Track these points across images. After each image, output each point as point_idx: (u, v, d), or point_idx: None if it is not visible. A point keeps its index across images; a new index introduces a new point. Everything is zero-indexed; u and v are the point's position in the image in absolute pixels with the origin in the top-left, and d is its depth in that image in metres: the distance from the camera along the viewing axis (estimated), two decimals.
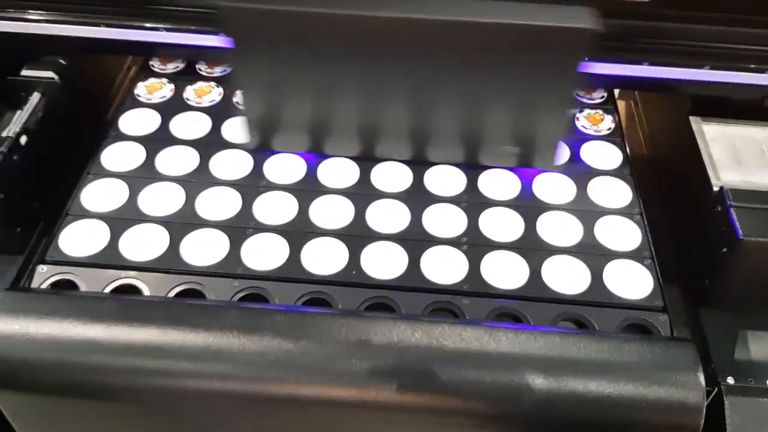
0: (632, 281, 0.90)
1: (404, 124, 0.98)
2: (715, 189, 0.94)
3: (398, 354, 0.77)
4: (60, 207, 0.97)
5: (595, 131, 1.09)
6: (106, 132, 1.06)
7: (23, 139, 0.97)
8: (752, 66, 1.04)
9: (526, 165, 1.00)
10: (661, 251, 0.96)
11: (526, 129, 0.96)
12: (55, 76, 1.08)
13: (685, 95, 1.08)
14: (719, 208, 0.92)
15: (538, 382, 0.76)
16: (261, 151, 1.02)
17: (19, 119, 0.99)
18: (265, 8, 0.85)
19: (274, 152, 1.03)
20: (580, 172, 1.02)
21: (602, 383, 0.76)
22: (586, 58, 0.89)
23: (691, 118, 1.06)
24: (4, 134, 0.96)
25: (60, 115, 1.05)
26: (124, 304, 0.81)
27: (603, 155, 1.05)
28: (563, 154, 1.04)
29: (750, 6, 1.03)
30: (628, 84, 1.14)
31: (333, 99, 0.96)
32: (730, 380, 0.89)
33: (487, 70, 0.90)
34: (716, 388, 0.88)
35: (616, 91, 1.24)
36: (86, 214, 0.94)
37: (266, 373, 0.77)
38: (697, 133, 1.04)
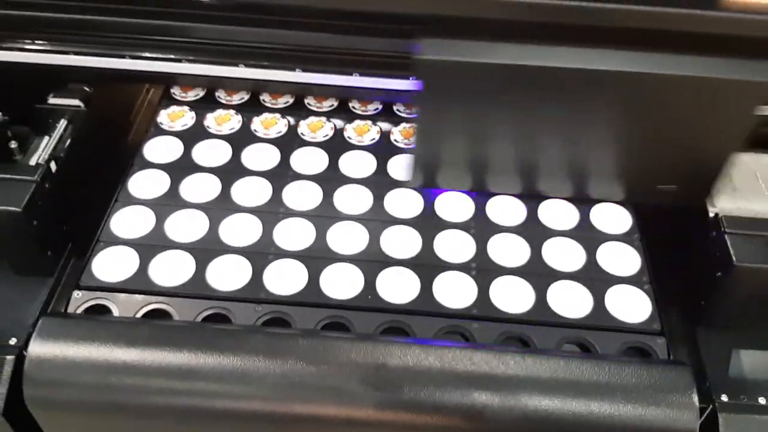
0: (632, 306, 0.95)
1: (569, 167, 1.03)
2: (711, 215, 1.00)
3: (413, 377, 0.82)
4: (88, 230, 1.02)
5: None
6: (132, 159, 1.11)
7: (53, 166, 1.02)
8: None
9: (681, 201, 1.05)
10: (659, 275, 1.01)
11: (689, 168, 1.01)
12: (81, 104, 1.13)
13: None
14: (715, 234, 0.98)
15: (543, 402, 0.81)
16: (425, 188, 1.08)
17: (48, 146, 1.04)
18: (455, 60, 0.90)
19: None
20: (583, 200, 1.08)
21: (602, 404, 0.81)
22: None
23: None
24: (33, 162, 1.01)
25: (86, 140, 1.10)
26: (157, 329, 0.87)
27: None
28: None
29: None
30: None
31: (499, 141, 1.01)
32: (724, 398, 0.94)
33: (670, 117, 0.95)
34: (711, 406, 0.94)
35: None
36: (116, 241, 1.00)
37: (289, 394, 0.83)
38: None
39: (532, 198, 1.07)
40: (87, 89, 1.15)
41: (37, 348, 0.84)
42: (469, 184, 1.07)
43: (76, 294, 0.94)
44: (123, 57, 1.12)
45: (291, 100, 1.22)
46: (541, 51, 0.90)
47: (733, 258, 0.93)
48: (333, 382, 0.83)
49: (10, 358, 0.91)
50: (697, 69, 0.90)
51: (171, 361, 0.83)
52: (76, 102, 1.13)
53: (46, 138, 1.06)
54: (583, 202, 1.07)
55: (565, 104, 0.94)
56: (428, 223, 1.03)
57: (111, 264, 0.97)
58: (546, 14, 0.92)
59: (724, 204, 1.02)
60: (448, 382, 0.82)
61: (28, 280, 1.00)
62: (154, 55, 1.12)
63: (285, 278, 0.96)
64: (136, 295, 0.94)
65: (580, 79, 0.90)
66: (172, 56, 1.12)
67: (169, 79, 1.20)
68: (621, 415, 0.81)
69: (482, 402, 0.81)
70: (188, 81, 1.21)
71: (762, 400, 0.94)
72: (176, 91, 1.23)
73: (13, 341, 0.93)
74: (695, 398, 0.83)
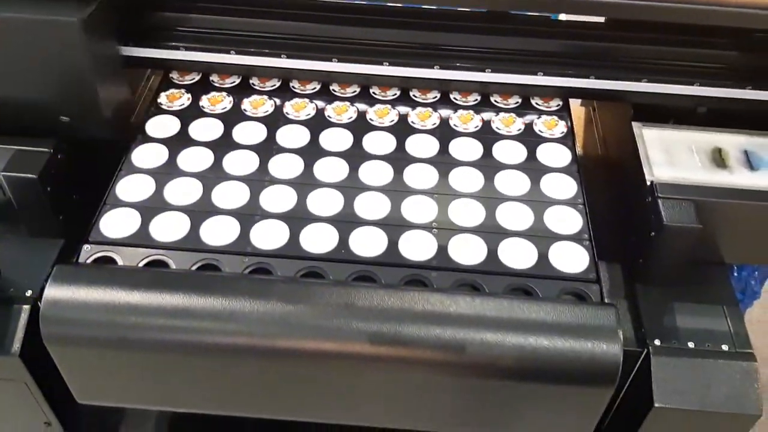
0: (572, 259, 1.08)
1: None
2: (648, 183, 1.13)
3: (377, 314, 0.95)
4: (95, 199, 1.15)
5: (550, 135, 1.27)
6: (134, 135, 1.25)
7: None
8: (683, 79, 1.23)
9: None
10: (601, 237, 1.14)
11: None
12: None
13: (627, 103, 1.27)
14: (649, 199, 1.11)
15: (488, 336, 0.94)
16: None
17: None
18: None
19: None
20: (535, 168, 1.21)
21: (539, 338, 0.94)
22: None
23: (633, 123, 1.23)
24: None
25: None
26: (156, 275, 1.00)
27: (555, 155, 1.24)
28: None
29: (680, 29, 1.22)
30: (578, 94, 1.33)
31: None
32: (657, 342, 1.07)
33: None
34: (645, 350, 1.07)
35: (577, 100, 1.43)
36: (121, 204, 1.13)
37: (270, 331, 0.96)
38: (637, 136, 1.21)
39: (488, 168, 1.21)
40: None
41: (52, 291, 0.97)
42: None
43: (86, 247, 1.07)
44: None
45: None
46: None
47: (664, 219, 1.06)
48: (307, 319, 0.96)
49: (26, 307, 1.05)
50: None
51: (168, 302, 0.96)
52: None
53: None
54: (536, 172, 1.21)
55: None
56: (397, 189, 1.16)
57: (116, 223, 1.10)
58: None
59: (660, 173, 1.15)
60: (407, 318, 0.95)
61: (41, 241, 1.13)
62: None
63: (269, 235, 1.09)
64: (139, 248, 1.07)
65: None
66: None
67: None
68: (555, 348, 0.94)
69: (436, 335, 0.95)
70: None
71: (690, 344, 1.07)
72: (174, 75, 1.36)
73: (28, 293, 1.06)
74: (620, 333, 0.95)
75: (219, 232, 1.09)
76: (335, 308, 0.96)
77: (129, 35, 1.25)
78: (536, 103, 1.33)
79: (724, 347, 1.07)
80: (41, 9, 1.05)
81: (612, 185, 1.29)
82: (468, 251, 1.08)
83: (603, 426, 1.16)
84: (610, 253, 1.15)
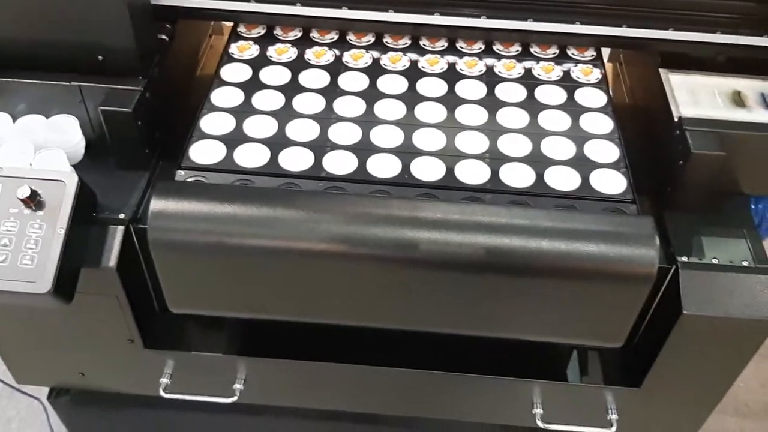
0: (611, 184, 1.21)
1: None
2: (676, 119, 1.26)
3: (442, 224, 1.09)
4: (177, 136, 1.28)
5: (586, 80, 1.41)
6: (212, 81, 1.38)
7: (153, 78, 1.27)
8: (706, 28, 1.36)
9: None
10: (634, 169, 1.26)
11: None
12: (166, 37, 1.39)
13: (655, 52, 1.40)
14: (677, 132, 1.24)
15: (538, 243, 1.08)
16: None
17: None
18: None
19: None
20: (574, 108, 1.34)
21: (583, 244, 1.07)
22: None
23: (660, 70, 1.36)
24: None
25: (174, 64, 1.37)
26: (245, 189, 1.15)
27: (592, 98, 1.37)
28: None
29: None
30: (611, 43, 1.46)
31: None
32: (684, 258, 1.20)
33: None
34: (674, 265, 1.20)
35: (607, 52, 1.56)
36: (206, 136, 1.26)
37: (346, 235, 1.09)
38: (664, 81, 1.34)
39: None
40: (168, 26, 1.41)
41: (158, 204, 1.10)
42: None
43: (179, 173, 1.21)
44: None
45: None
46: None
47: (692, 147, 1.19)
48: (379, 227, 1.09)
49: (120, 228, 1.19)
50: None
51: (256, 212, 1.09)
52: (163, 36, 1.39)
53: None
54: (576, 111, 1.34)
55: None
56: (451, 126, 1.30)
57: (204, 152, 1.23)
58: None
59: (686, 111, 1.28)
60: (469, 227, 1.09)
61: (130, 173, 1.27)
62: None
63: (340, 163, 1.22)
64: (225, 174, 1.20)
65: None
66: None
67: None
68: (601, 251, 1.07)
69: (487, 242, 1.08)
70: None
71: (714, 260, 1.20)
72: (242, 29, 1.50)
73: (122, 216, 1.20)
74: (656, 237, 1.08)
75: (295, 159, 1.22)
76: (404, 218, 1.10)
77: None
78: (572, 53, 1.46)
79: (744, 263, 1.20)
80: None
81: (641, 125, 1.41)
82: (517, 176, 1.21)
83: (637, 338, 1.29)
84: (643, 182, 1.27)
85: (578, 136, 1.29)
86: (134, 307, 1.28)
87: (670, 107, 1.28)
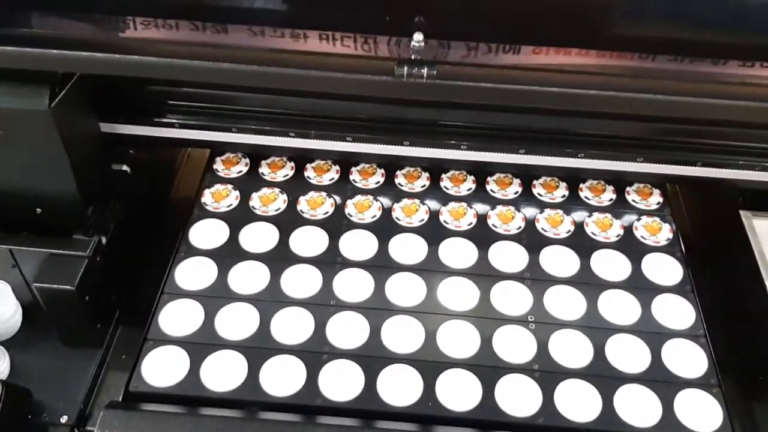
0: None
1: None
2: None
3: None
4: (137, 294, 1.03)
5: (654, 241, 1.11)
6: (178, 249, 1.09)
7: (104, 239, 1.00)
8: None
9: None
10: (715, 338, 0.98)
11: None
12: (127, 168, 1.11)
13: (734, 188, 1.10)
14: None
15: None
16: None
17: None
18: None
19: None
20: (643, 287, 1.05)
21: None
22: None
23: (742, 213, 1.08)
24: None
25: (132, 206, 1.09)
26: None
27: (665, 269, 1.07)
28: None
29: None
30: (681, 181, 1.16)
31: None
32: None
33: None
34: None
35: None
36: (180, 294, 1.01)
37: None
38: (748, 230, 1.06)
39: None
40: (131, 152, 1.13)
41: None
42: None
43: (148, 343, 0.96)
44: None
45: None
46: None
47: None
48: None
49: None
50: None
51: None
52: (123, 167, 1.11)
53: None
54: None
55: None
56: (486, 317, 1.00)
57: (176, 316, 0.99)
58: None
59: None
60: None
61: (77, 351, 0.99)
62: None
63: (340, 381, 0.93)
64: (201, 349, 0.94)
65: None
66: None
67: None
68: None
69: None
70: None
71: None
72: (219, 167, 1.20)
73: (64, 419, 0.92)
74: None
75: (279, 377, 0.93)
76: None
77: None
78: (633, 200, 1.16)
79: None
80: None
81: (716, 276, 1.10)
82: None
83: None
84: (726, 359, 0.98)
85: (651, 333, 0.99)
86: None
87: (761, 274, 1.00)
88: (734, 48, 0.83)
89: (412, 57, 0.76)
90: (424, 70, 0.74)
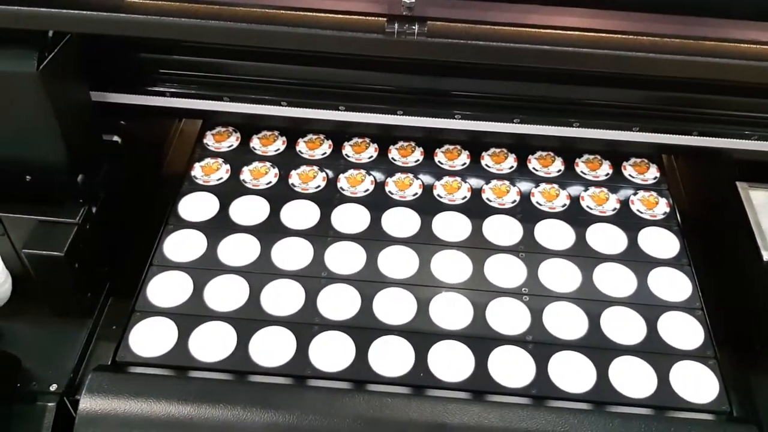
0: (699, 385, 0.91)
1: None
2: (766, 259, 0.97)
3: None
4: (126, 265, 1.01)
5: (651, 215, 1.09)
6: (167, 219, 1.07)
7: (93, 209, 0.98)
8: None
9: None
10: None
11: None
12: (118, 138, 1.10)
13: (731, 160, 1.09)
14: None
15: None
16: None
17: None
18: None
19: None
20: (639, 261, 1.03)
21: None
22: None
23: (738, 184, 1.06)
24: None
25: (122, 177, 1.07)
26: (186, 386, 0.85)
27: (661, 244, 1.05)
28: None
29: None
30: (677, 150, 1.15)
31: None
32: None
33: None
34: None
35: None
36: (169, 266, 0.99)
37: None
38: (744, 200, 1.05)
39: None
40: (122, 123, 1.12)
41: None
42: None
43: (135, 314, 0.95)
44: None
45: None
46: None
47: None
48: None
49: (51, 405, 0.89)
50: None
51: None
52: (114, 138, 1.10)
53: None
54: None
55: None
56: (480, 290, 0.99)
57: (165, 288, 0.98)
58: None
59: None
60: None
61: (67, 320, 0.97)
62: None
63: (331, 352, 0.91)
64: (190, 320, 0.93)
65: None
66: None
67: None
68: None
69: None
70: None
71: None
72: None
73: (53, 387, 0.91)
74: None
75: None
76: None
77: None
78: (630, 175, 1.15)
79: None
80: None
81: (712, 248, 1.08)
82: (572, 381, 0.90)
83: None
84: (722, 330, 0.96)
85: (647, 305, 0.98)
86: None
87: (756, 241, 0.99)
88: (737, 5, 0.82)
89: (403, 13, 0.74)
90: (415, 27, 0.72)
